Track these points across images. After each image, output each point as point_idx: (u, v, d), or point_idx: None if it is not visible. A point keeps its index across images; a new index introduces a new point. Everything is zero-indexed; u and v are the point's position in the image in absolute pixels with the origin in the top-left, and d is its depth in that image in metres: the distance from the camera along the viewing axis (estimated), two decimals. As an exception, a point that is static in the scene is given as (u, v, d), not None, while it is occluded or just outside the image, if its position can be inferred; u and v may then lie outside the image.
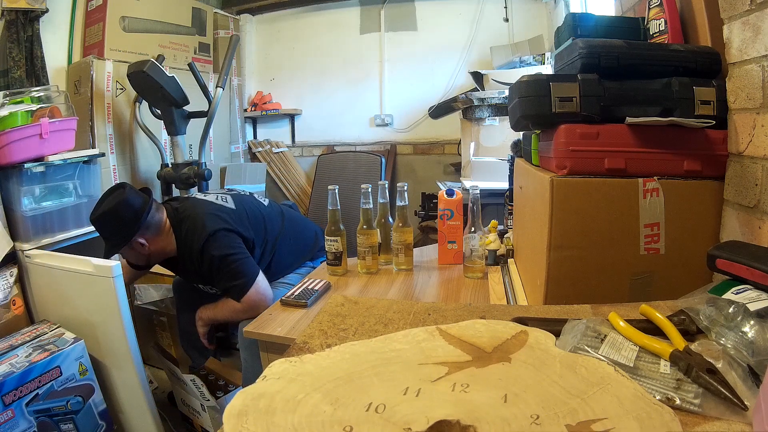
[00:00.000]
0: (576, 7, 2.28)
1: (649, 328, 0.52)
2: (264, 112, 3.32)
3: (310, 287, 1.27)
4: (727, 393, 0.39)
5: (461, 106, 2.37)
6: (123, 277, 1.37)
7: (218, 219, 1.42)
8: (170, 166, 2.20)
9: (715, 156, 0.77)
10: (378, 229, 1.42)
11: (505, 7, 2.83)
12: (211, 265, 1.37)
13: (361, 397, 0.42)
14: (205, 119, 2.14)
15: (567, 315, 0.60)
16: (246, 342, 1.23)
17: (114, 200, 1.36)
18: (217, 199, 1.53)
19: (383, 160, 2.23)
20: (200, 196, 1.57)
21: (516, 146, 1.29)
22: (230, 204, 1.52)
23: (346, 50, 3.20)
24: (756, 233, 0.69)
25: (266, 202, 1.66)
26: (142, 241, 1.39)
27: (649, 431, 0.36)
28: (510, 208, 1.48)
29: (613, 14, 1.41)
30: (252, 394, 0.43)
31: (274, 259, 1.56)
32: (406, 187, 1.38)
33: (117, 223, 1.36)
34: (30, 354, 1.25)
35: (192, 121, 2.19)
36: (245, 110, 3.33)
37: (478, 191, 1.30)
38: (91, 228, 1.71)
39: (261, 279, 1.39)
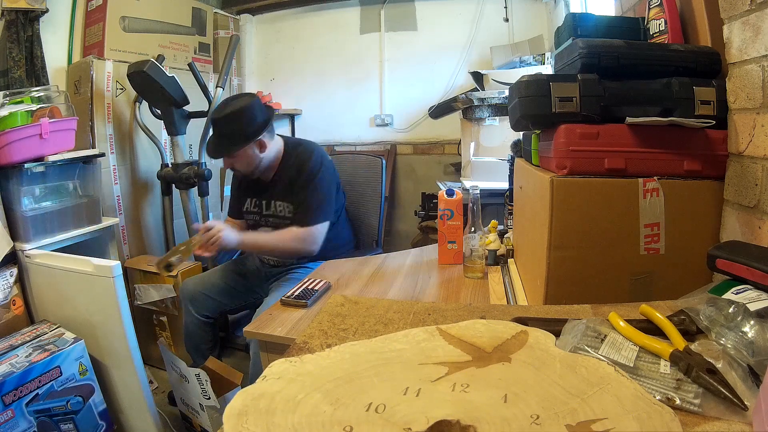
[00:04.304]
0: (576, 7, 2.28)
1: (649, 328, 0.52)
2: (264, 112, 3.31)
3: (310, 287, 1.27)
4: (727, 393, 0.39)
5: (461, 106, 2.37)
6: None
7: (331, 162, 1.63)
8: (170, 166, 2.19)
9: (715, 156, 0.77)
10: None
11: (505, 7, 2.82)
12: (307, 180, 1.52)
13: (361, 397, 0.42)
14: (205, 119, 2.13)
15: (567, 315, 0.60)
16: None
17: (247, 100, 1.50)
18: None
19: (384, 161, 2.22)
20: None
21: (516, 146, 1.29)
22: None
23: (346, 50, 3.19)
24: (756, 233, 0.69)
25: None
26: (265, 140, 1.52)
27: (649, 431, 0.36)
28: (510, 208, 1.48)
29: (613, 14, 1.41)
30: (252, 394, 0.43)
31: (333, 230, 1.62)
32: None
33: (251, 118, 1.49)
34: (30, 354, 1.25)
35: (192, 121, 2.19)
36: (245, 110, 3.32)
37: (478, 191, 1.29)
38: (91, 228, 1.71)
39: (326, 227, 1.49)
